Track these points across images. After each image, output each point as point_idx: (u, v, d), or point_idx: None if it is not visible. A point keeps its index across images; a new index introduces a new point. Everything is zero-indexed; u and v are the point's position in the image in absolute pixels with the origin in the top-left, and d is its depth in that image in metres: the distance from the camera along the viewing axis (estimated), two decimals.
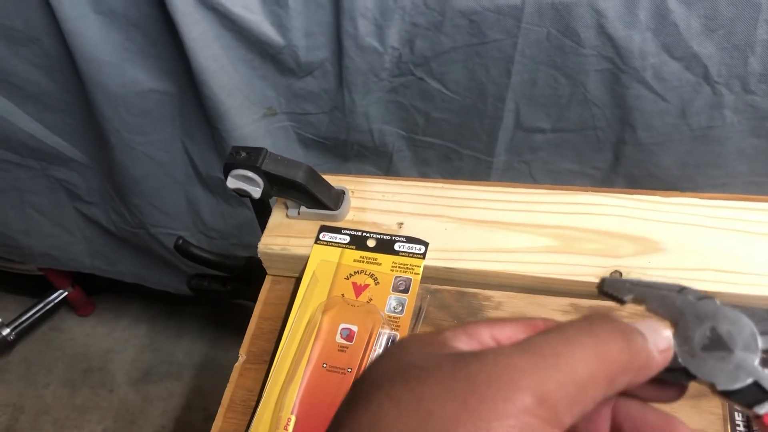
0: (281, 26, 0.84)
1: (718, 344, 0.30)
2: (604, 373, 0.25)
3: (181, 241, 0.69)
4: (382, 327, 0.54)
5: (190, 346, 1.53)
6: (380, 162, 1.02)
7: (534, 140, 0.93)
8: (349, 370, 0.53)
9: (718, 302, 0.31)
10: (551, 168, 0.97)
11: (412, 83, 0.89)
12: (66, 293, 1.54)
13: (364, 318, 0.55)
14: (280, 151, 0.62)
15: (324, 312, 0.56)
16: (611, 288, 0.34)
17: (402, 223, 0.61)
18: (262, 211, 0.65)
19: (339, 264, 0.59)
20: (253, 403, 0.55)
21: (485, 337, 0.28)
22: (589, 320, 0.27)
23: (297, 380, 0.53)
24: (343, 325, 0.55)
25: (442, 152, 0.99)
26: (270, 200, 0.65)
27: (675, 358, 0.30)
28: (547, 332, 0.26)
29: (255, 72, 0.91)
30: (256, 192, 0.59)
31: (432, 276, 0.58)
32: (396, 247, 0.59)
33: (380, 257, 0.59)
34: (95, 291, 1.61)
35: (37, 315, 1.53)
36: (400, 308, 0.56)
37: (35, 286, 1.53)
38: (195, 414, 1.43)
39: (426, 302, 0.58)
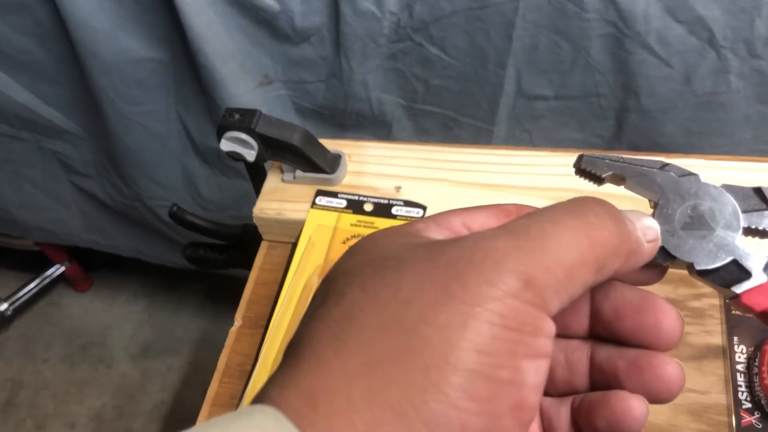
0: None
1: (699, 222, 0.29)
2: (593, 256, 0.23)
3: (175, 208, 0.68)
4: None
5: (189, 321, 1.52)
6: (379, 132, 1.01)
7: (536, 108, 0.91)
8: None
9: (701, 179, 0.30)
10: (553, 137, 0.95)
11: (411, 49, 0.87)
12: (63, 268, 1.53)
13: None
14: None
15: (320, 276, 0.55)
16: (589, 165, 0.32)
17: (400, 187, 0.60)
18: (256, 175, 0.64)
19: (336, 228, 0.58)
20: (249, 368, 0.54)
21: (457, 224, 0.26)
22: (578, 201, 0.25)
23: None
24: None
25: (441, 121, 0.97)
26: (265, 164, 0.64)
27: None
28: (533, 214, 0.24)
29: (250, 39, 0.89)
30: (251, 155, 0.58)
31: None
32: (393, 211, 0.58)
33: (377, 221, 0.57)
34: (93, 266, 1.61)
35: (35, 290, 1.52)
36: None
37: (32, 262, 1.53)
38: (194, 389, 1.42)
39: None
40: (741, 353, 0.48)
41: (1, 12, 0.91)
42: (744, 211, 0.29)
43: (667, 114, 0.87)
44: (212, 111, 0.97)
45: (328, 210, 0.59)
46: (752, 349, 0.48)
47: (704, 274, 0.28)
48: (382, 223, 0.57)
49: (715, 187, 0.30)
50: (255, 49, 0.90)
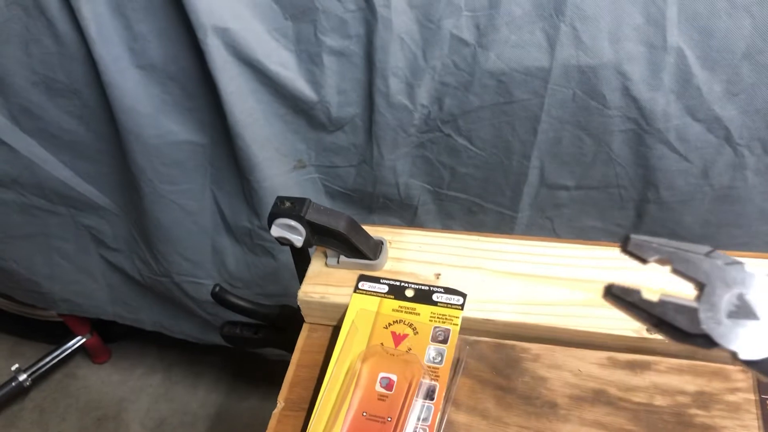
0: (315, 83, 0.88)
1: (745, 311, 0.29)
2: None
3: (218, 288, 0.71)
4: (423, 377, 0.55)
5: (206, 396, 1.52)
6: (405, 214, 1.04)
7: (558, 197, 0.95)
8: (389, 419, 0.54)
9: (747, 268, 0.31)
10: (575, 225, 0.98)
11: (440, 139, 0.91)
12: (84, 340, 1.54)
13: (403, 367, 0.56)
14: None
15: (363, 360, 0.57)
16: (636, 248, 0.33)
17: (439, 274, 0.62)
18: (301, 259, 0.66)
19: (378, 313, 0.60)
20: None
21: None
22: None
23: (337, 428, 0.54)
24: (382, 374, 0.56)
25: (466, 206, 1.01)
26: (309, 249, 0.66)
27: (698, 323, 0.29)
28: None
29: (287, 126, 0.94)
30: (299, 241, 0.61)
31: (470, 327, 0.59)
32: (434, 297, 0.60)
33: (419, 307, 0.60)
34: (112, 338, 1.61)
35: (54, 361, 1.53)
36: (440, 359, 0.56)
37: (53, 332, 1.54)
38: None
39: (465, 353, 0.59)
40: None
41: (51, 95, 0.96)
42: None
43: (686, 206, 0.90)
44: (246, 192, 1.01)
45: (371, 295, 0.61)
46: None
47: (749, 364, 0.29)
48: (423, 309, 0.60)
49: (763, 276, 0.30)
50: (291, 135, 0.95)
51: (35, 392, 1.56)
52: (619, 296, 0.34)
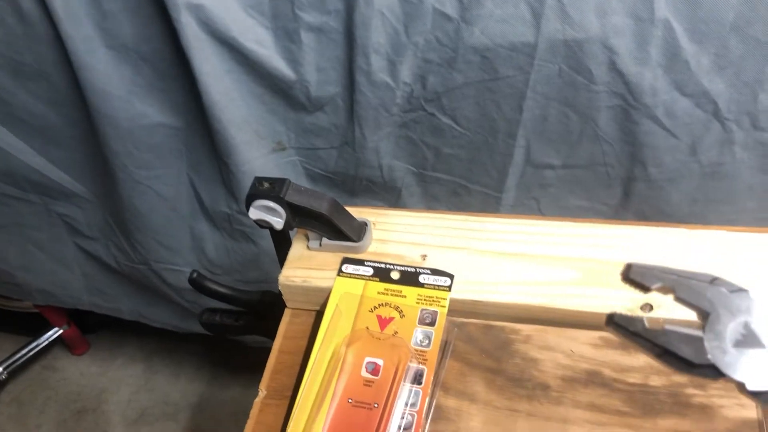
0: (293, 61, 0.85)
1: (751, 340, 0.28)
2: None
3: (195, 275, 0.68)
4: (410, 361, 0.53)
5: (187, 385, 1.50)
6: (388, 197, 1.02)
7: (544, 176, 0.93)
8: (376, 405, 0.52)
9: (752, 296, 0.30)
10: (561, 204, 0.97)
11: (423, 119, 0.89)
12: (61, 331, 1.51)
13: (389, 351, 0.54)
14: None
15: (348, 345, 0.55)
16: (638, 275, 0.32)
17: (426, 255, 0.60)
18: (281, 242, 0.64)
19: (363, 296, 0.58)
20: None
21: None
22: None
23: (322, 416, 0.52)
24: (368, 359, 0.54)
25: (451, 188, 0.99)
26: (290, 232, 0.64)
27: (704, 353, 0.28)
28: None
29: (265, 106, 0.91)
30: (279, 223, 0.58)
31: (458, 309, 0.57)
32: (421, 279, 0.58)
33: (405, 290, 0.58)
34: (90, 329, 1.58)
35: (31, 354, 1.50)
36: (427, 341, 0.54)
37: (30, 324, 1.51)
38: None
39: (453, 336, 0.57)
40: None
41: (19, 78, 0.92)
42: None
43: (674, 183, 0.89)
44: (224, 176, 0.98)
45: (355, 278, 0.59)
46: None
47: (757, 396, 0.28)
48: (410, 291, 0.57)
49: (767, 304, 0.29)
50: (270, 116, 0.92)
51: (12, 385, 1.53)
52: (622, 325, 0.34)
